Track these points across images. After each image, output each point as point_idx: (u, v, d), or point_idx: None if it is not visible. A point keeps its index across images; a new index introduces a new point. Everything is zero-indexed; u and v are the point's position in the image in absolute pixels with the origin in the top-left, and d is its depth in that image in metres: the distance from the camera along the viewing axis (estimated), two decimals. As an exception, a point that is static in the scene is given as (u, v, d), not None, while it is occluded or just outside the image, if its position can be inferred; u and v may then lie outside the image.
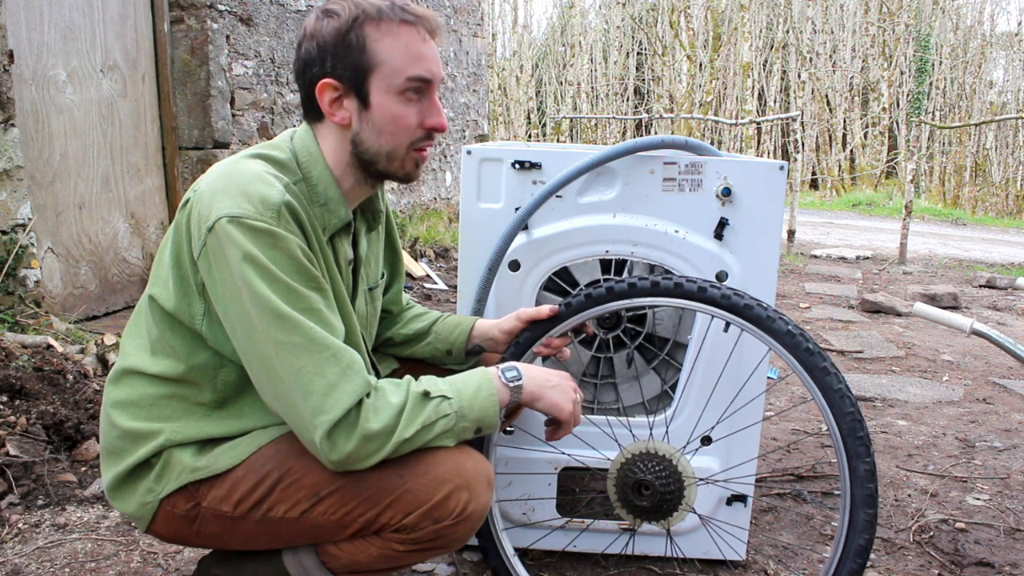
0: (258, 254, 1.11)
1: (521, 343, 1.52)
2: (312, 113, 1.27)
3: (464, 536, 1.25)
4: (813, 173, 19.02)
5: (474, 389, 1.23)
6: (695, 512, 1.66)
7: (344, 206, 1.28)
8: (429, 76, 1.23)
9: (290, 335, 1.11)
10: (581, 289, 1.53)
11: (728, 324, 1.48)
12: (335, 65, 1.20)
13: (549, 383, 1.32)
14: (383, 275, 1.54)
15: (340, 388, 1.12)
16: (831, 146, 19.49)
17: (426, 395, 1.19)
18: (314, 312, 1.14)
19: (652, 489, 1.50)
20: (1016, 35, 20.13)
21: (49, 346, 2.79)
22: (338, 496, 1.20)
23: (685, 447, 1.63)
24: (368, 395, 1.15)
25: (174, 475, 1.24)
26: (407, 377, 1.23)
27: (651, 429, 1.71)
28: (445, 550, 1.26)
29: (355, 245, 1.39)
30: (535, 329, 1.51)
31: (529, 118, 21.07)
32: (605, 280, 1.73)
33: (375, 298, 1.49)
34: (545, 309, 1.49)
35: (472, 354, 1.60)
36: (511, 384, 1.27)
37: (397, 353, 1.64)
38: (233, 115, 4.50)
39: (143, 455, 1.24)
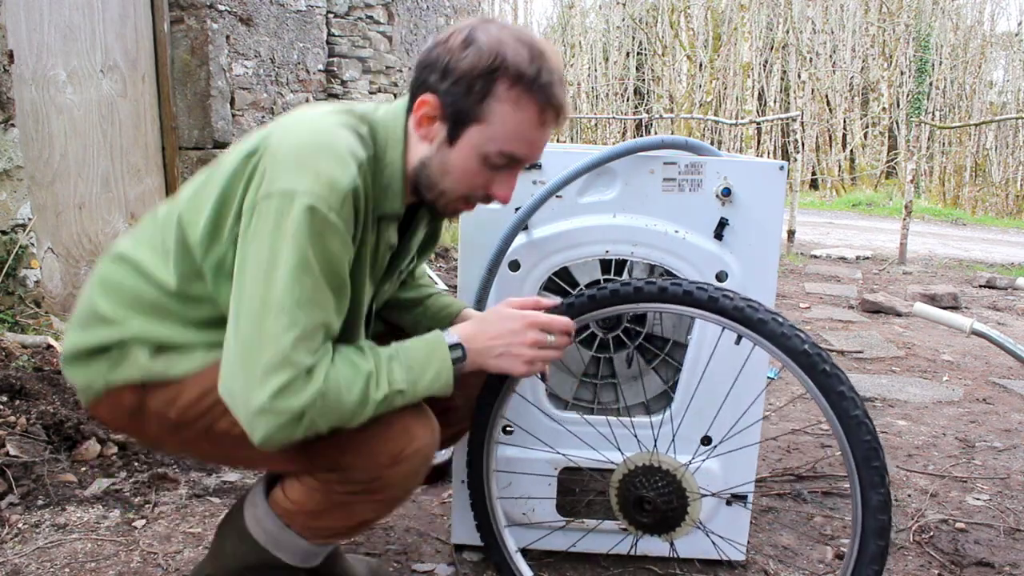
0: (304, 236, 1.08)
1: None
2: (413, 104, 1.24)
3: (404, 480, 1.22)
4: (813, 173, 19.02)
5: (431, 378, 1.20)
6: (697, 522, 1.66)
7: (401, 199, 1.24)
8: (522, 157, 1.20)
9: (274, 315, 1.08)
10: (581, 290, 1.51)
11: (740, 337, 1.39)
12: (448, 92, 1.15)
13: (492, 352, 1.25)
14: (412, 259, 1.49)
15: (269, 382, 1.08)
16: (831, 146, 19.49)
17: (384, 398, 1.16)
18: (317, 306, 1.13)
19: (654, 506, 1.44)
20: (1016, 35, 20.13)
21: (49, 346, 2.79)
22: None
23: (691, 462, 1.55)
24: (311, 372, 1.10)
25: (126, 370, 1.22)
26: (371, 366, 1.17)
27: (655, 441, 1.71)
28: (388, 496, 1.23)
29: (411, 234, 1.37)
30: None
31: (529, 118, 21.00)
32: (606, 281, 1.73)
33: (400, 279, 1.48)
34: (545, 303, 1.39)
35: None
36: (455, 364, 1.23)
37: (385, 316, 1.59)
38: (233, 115, 4.50)
39: (105, 341, 1.22)
